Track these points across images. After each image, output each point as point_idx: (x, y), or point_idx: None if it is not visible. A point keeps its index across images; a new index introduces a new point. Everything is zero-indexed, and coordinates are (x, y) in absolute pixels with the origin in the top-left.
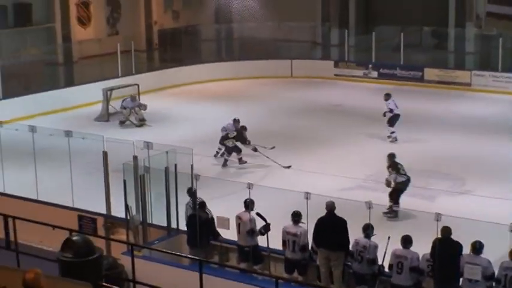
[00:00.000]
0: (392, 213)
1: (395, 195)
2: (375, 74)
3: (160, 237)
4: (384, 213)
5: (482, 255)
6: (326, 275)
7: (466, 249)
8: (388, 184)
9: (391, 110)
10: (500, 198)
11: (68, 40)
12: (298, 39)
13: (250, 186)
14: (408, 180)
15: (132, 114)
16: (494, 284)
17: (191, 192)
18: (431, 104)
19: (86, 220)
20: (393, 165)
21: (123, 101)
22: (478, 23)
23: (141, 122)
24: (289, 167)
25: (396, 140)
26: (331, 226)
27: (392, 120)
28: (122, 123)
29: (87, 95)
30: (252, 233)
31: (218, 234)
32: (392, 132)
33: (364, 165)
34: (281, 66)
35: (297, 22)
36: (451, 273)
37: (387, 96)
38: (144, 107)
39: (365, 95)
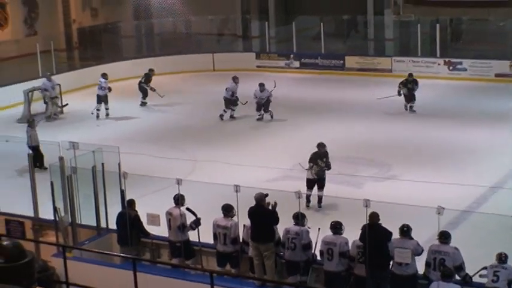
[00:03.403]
0: None
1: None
2: (296, 64)
3: (90, 237)
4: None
5: (411, 238)
6: (259, 267)
7: (396, 234)
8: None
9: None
10: (426, 182)
11: None
12: (219, 32)
13: (179, 181)
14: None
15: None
16: (424, 267)
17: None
18: (354, 91)
19: (14, 224)
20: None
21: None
22: (396, 10)
23: (55, 117)
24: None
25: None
26: (258, 218)
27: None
28: (48, 117)
29: (8, 97)
30: (183, 228)
31: (147, 233)
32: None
33: (290, 154)
34: (203, 60)
35: (217, 15)
36: (381, 259)
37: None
38: (58, 87)
39: (287, 85)
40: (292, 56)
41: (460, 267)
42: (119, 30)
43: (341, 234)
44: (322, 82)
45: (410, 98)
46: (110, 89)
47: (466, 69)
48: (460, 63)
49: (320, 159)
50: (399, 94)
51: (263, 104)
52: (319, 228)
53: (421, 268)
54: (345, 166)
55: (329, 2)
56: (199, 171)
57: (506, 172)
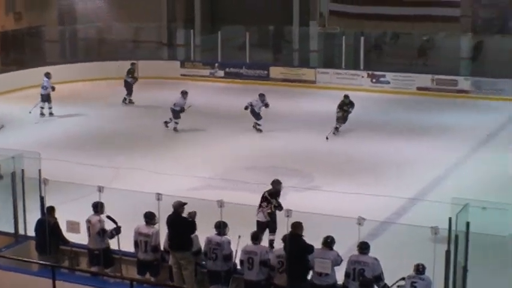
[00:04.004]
0: None
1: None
2: (221, 73)
3: (8, 244)
4: None
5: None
6: (178, 275)
7: (318, 244)
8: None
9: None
10: (348, 192)
11: None
12: (144, 39)
13: (100, 189)
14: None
15: None
16: (343, 277)
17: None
18: (277, 101)
19: None
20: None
21: None
22: (321, 22)
23: None
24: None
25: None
26: (174, 226)
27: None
28: None
29: None
30: (103, 233)
31: (67, 240)
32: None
33: (213, 164)
34: (128, 67)
35: (143, 23)
36: (301, 270)
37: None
38: None
39: (212, 94)
40: (216, 65)
41: (379, 278)
42: (43, 34)
43: (261, 243)
44: (246, 92)
45: (343, 119)
46: (53, 89)
47: (389, 82)
48: (383, 76)
49: (274, 198)
50: (345, 115)
51: (257, 113)
52: (239, 236)
53: (340, 278)
54: (268, 176)
55: (255, 12)
56: (121, 179)
57: (426, 184)
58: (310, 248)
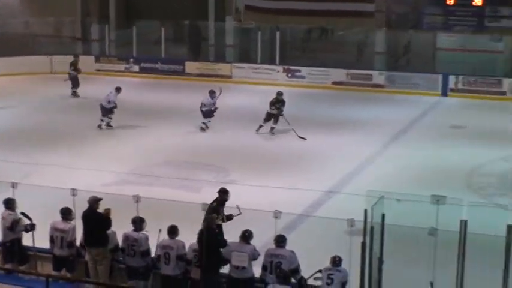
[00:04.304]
0: None
1: None
2: (136, 68)
3: None
4: None
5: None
6: (93, 271)
7: (236, 238)
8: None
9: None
10: (264, 186)
11: None
12: (58, 34)
13: (14, 185)
14: None
15: None
16: (261, 271)
17: None
18: (193, 96)
19: None
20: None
21: None
22: (237, 17)
23: None
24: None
25: None
26: (89, 222)
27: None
28: None
29: None
30: (16, 224)
31: None
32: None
33: (128, 159)
34: (40, 63)
35: (57, 17)
36: (213, 262)
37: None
38: None
39: (127, 89)
40: (132, 60)
41: (296, 270)
42: None
43: (177, 238)
44: (162, 87)
45: (277, 118)
46: None
47: (304, 77)
48: (299, 70)
49: (222, 208)
50: (279, 114)
51: (211, 111)
52: (160, 230)
53: (258, 272)
54: (183, 171)
55: (170, 7)
56: (38, 175)
57: (341, 178)
58: (222, 242)
